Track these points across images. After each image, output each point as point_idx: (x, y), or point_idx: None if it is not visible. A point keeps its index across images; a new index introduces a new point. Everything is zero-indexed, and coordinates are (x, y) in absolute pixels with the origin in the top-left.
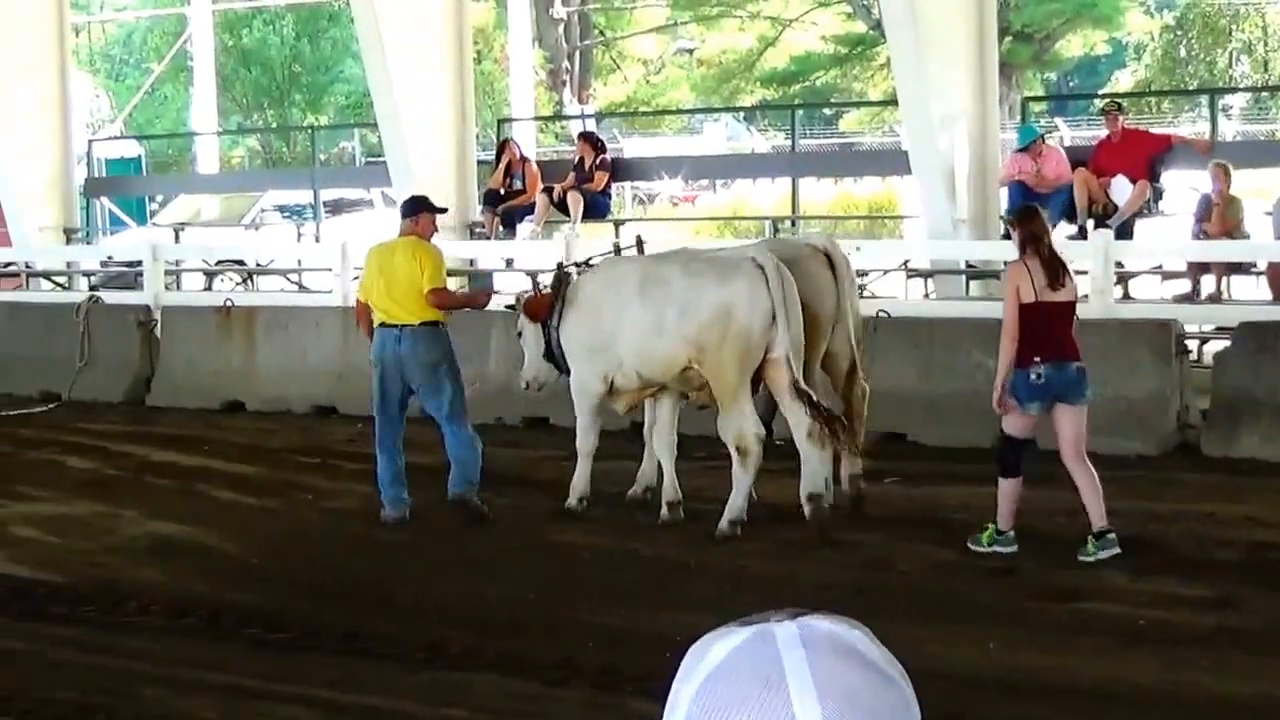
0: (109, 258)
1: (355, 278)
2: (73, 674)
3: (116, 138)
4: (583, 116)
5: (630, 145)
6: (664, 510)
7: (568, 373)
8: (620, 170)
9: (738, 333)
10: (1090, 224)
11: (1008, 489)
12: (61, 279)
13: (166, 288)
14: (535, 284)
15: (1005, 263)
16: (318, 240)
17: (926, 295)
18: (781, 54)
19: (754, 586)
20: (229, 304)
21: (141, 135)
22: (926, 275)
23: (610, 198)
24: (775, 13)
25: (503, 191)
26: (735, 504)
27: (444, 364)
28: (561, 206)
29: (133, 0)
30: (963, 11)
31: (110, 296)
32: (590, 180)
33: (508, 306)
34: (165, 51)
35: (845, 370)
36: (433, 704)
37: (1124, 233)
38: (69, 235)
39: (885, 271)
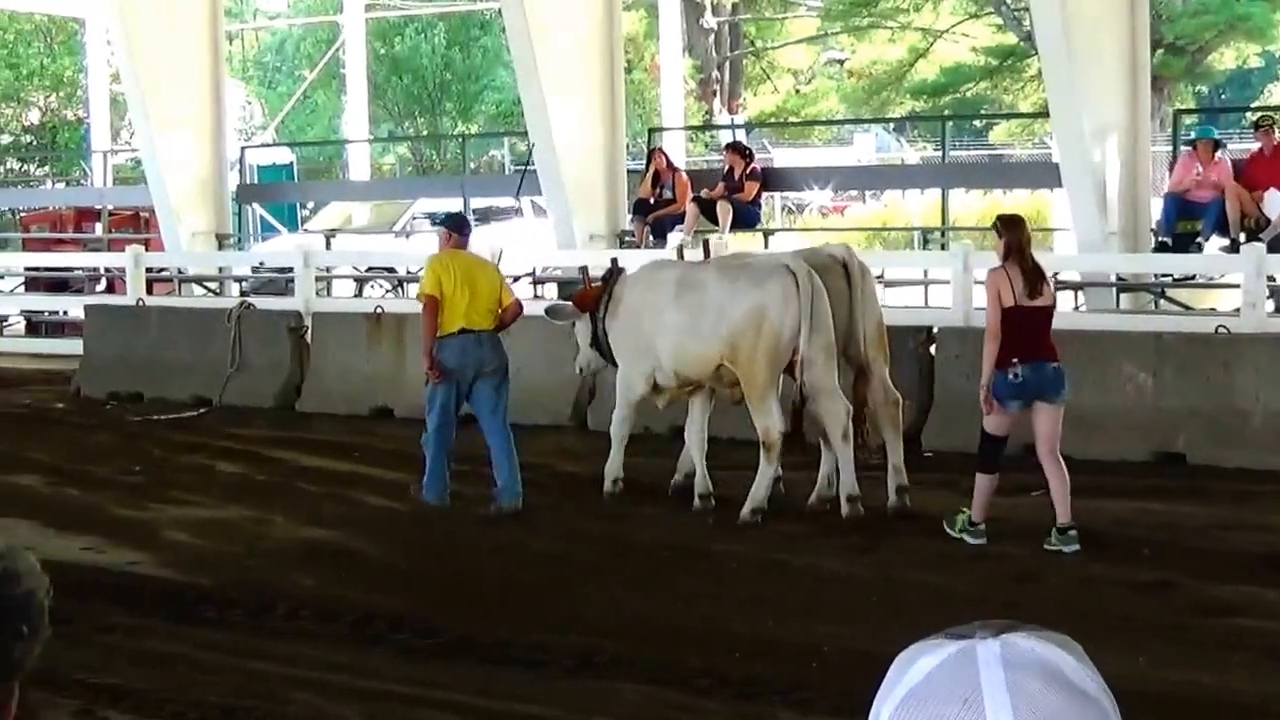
0: (260, 264)
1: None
2: (222, 677)
3: (269, 145)
4: (732, 126)
5: (780, 155)
6: (696, 501)
7: (613, 363)
8: (770, 180)
9: (769, 333)
10: (1242, 237)
11: (985, 484)
12: (213, 284)
13: (317, 294)
14: (586, 276)
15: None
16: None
17: (1076, 308)
18: (932, 65)
19: (902, 598)
20: (379, 311)
21: (293, 142)
22: (1077, 288)
23: (760, 208)
24: (926, 24)
25: (652, 200)
26: (758, 493)
27: (508, 367)
28: (710, 216)
29: (286, 8)
30: (1115, 23)
31: (262, 302)
32: (740, 190)
33: (563, 298)
34: (317, 59)
35: (854, 375)
36: (581, 712)
37: (1276, 246)
38: (221, 241)
39: None
